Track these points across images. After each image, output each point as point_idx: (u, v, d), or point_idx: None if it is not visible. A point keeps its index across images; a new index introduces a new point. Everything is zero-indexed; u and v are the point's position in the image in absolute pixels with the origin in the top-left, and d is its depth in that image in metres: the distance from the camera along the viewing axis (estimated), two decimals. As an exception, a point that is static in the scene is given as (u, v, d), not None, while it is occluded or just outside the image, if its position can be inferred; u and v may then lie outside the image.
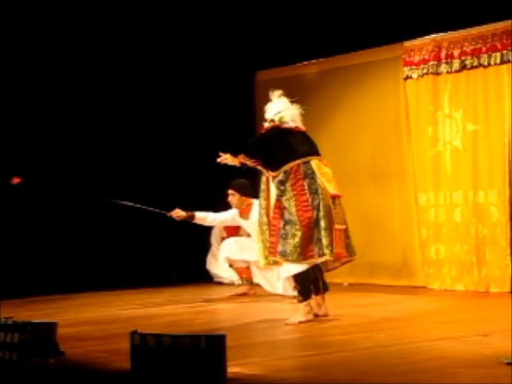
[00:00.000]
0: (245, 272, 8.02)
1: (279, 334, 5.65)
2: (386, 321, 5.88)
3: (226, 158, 6.10)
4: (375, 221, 8.54)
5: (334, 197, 5.97)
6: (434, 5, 7.67)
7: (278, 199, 5.93)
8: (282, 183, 5.91)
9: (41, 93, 8.73)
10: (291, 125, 6.10)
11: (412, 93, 8.15)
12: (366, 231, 8.55)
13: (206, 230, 9.07)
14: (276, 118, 6.11)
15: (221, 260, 8.24)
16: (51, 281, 8.55)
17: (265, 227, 6.01)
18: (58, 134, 8.85)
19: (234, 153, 6.07)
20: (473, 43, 7.61)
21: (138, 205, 7.70)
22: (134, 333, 4.21)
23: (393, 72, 8.30)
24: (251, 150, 6.03)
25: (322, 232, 5.82)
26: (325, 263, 6.03)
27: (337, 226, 5.90)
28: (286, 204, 5.87)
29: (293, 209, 5.83)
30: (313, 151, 6.06)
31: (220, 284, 9.02)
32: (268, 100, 9.45)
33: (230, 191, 7.85)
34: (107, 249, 9.02)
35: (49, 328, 4.70)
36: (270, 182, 6.07)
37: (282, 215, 5.89)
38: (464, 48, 7.67)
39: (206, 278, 9.19)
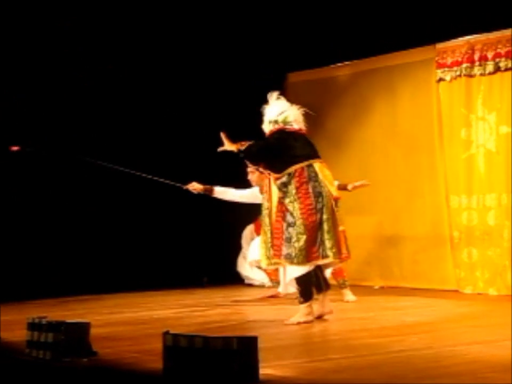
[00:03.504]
0: (274, 274, 8.00)
1: (310, 336, 5.65)
2: (419, 325, 5.84)
3: (225, 138, 6.06)
4: (406, 223, 8.50)
5: (336, 199, 6.06)
6: (468, 7, 7.61)
7: (280, 202, 5.96)
8: (285, 185, 5.94)
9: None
10: (295, 126, 6.12)
11: (444, 95, 8.10)
12: (397, 233, 8.52)
13: (237, 232, 9.08)
14: (280, 119, 6.11)
15: (250, 261, 8.24)
16: (84, 281, 8.63)
17: (267, 228, 6.04)
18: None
19: (234, 140, 6.06)
20: (508, 45, 7.55)
21: (154, 177, 7.40)
22: (166, 333, 4.22)
23: (426, 74, 8.26)
24: (254, 157, 6.05)
25: (326, 235, 5.89)
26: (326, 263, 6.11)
27: (340, 228, 6.06)
28: (289, 207, 5.91)
29: (298, 212, 5.88)
30: (315, 154, 6.09)
31: (250, 285, 9.03)
32: (299, 102, 9.48)
33: (249, 169, 7.67)
34: (139, 251, 9.08)
35: (82, 328, 4.73)
36: (272, 184, 6.06)
37: (284, 218, 5.93)
38: (498, 50, 7.61)
39: (236, 280, 9.20)
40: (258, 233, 8.80)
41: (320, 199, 5.91)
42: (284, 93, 9.51)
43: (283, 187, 5.94)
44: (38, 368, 4.66)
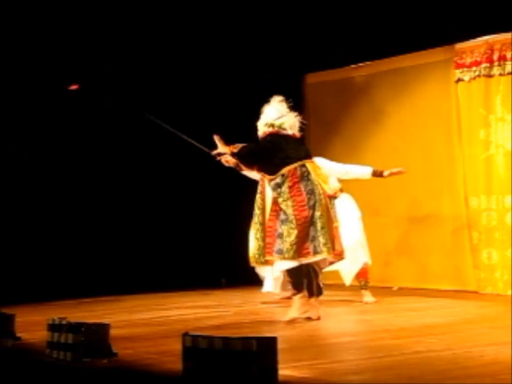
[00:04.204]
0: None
1: (329, 337, 5.65)
2: (438, 326, 5.83)
3: (218, 141, 6.26)
4: (425, 224, 8.47)
5: (330, 197, 6.20)
6: (486, 7, 7.57)
7: (275, 201, 6.15)
8: (279, 185, 6.12)
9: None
10: (289, 132, 6.30)
11: (463, 95, 8.06)
12: (416, 234, 8.50)
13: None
14: (276, 123, 6.30)
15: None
16: (102, 283, 8.66)
17: (259, 225, 6.21)
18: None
19: (228, 143, 6.26)
20: (527, 45, 7.51)
21: (190, 140, 7.03)
22: (185, 334, 4.23)
23: (444, 74, 8.22)
24: (247, 160, 6.23)
25: (319, 231, 6.03)
26: (319, 264, 6.23)
27: (335, 224, 6.18)
28: (282, 205, 6.09)
29: (290, 210, 6.05)
30: (308, 155, 6.29)
31: (269, 287, 9.02)
32: (317, 102, 9.57)
33: None
34: (158, 252, 9.11)
35: (102, 329, 4.76)
36: (266, 184, 6.24)
37: (278, 216, 6.11)
38: (518, 50, 7.57)
39: (254, 281, 9.18)
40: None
41: (312, 196, 6.08)
42: (302, 94, 9.63)
43: (277, 187, 6.12)
44: (58, 369, 4.69)
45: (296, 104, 9.43)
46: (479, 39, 7.88)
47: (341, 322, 6.21)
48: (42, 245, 8.68)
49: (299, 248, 5.99)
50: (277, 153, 6.16)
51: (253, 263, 6.34)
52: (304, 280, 6.22)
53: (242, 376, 3.95)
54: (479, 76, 7.89)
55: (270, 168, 6.17)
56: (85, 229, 8.92)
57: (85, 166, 8.90)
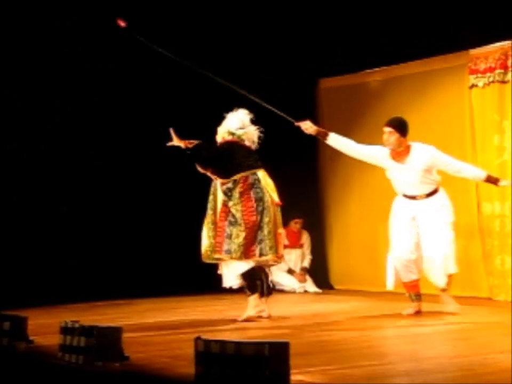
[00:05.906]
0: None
1: (341, 343, 5.63)
2: (451, 332, 5.81)
3: (173, 135, 6.64)
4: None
5: (277, 205, 6.67)
6: (501, 13, 7.56)
7: (225, 204, 6.62)
8: (230, 190, 6.57)
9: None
10: (246, 143, 6.77)
11: (477, 101, 8.03)
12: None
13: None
14: (237, 133, 6.76)
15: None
16: (115, 286, 8.67)
17: (212, 226, 6.67)
18: None
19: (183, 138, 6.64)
20: (541, 51, 7.48)
21: (264, 103, 6.84)
22: (198, 339, 4.23)
23: (458, 80, 8.20)
24: (203, 162, 6.66)
25: (266, 235, 6.52)
26: (268, 266, 6.75)
27: (279, 231, 6.65)
28: (232, 209, 6.55)
29: (240, 214, 6.51)
30: (259, 164, 6.72)
31: (281, 291, 9.03)
32: (331, 108, 9.57)
33: (388, 129, 6.81)
34: (171, 255, 9.11)
35: (114, 333, 4.76)
36: (218, 186, 6.69)
37: (227, 217, 6.59)
38: (532, 56, 7.55)
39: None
40: (288, 239, 8.80)
41: (261, 203, 6.55)
42: (316, 99, 9.62)
43: (228, 192, 6.58)
44: (70, 373, 4.70)
45: (309, 109, 9.55)
46: (493, 45, 7.85)
47: (353, 328, 6.19)
48: (55, 248, 8.70)
49: (246, 250, 6.50)
50: (232, 159, 6.62)
51: (205, 259, 6.76)
52: (258, 282, 6.65)
53: (254, 381, 3.95)
54: (493, 81, 7.86)
55: (224, 172, 6.62)
56: (99, 232, 8.93)
57: (89, 166, 8.91)
